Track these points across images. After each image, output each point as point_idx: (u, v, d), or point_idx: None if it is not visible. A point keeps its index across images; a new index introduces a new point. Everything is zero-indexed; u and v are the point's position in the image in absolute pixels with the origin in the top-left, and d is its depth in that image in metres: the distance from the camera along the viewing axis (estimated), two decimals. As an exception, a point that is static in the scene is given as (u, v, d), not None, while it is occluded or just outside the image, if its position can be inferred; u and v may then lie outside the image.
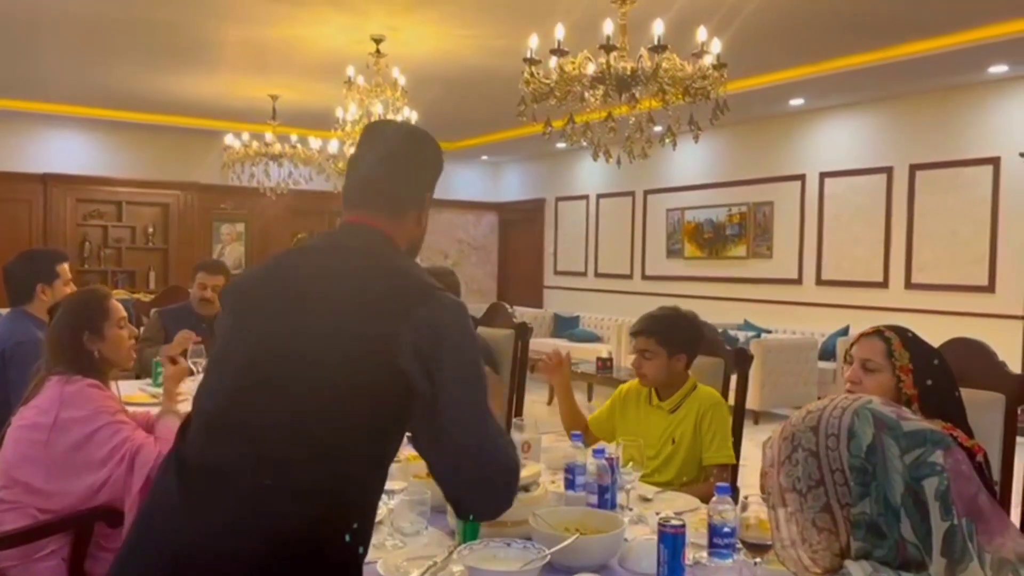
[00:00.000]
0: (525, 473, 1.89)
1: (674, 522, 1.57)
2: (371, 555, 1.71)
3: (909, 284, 8.14)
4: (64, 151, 10.77)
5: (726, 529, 1.61)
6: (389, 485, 1.86)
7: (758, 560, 1.53)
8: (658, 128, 4.00)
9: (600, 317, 10.80)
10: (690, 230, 10.65)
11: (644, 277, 11.35)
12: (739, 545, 1.60)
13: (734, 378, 2.77)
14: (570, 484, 2.03)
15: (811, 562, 1.06)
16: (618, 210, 11.80)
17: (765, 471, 1.13)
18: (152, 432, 2.68)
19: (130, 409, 2.88)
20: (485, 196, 14.11)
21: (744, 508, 1.57)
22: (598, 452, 1.96)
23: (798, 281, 9.28)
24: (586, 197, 12.43)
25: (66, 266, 3.35)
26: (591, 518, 1.80)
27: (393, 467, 2.22)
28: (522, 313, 11.49)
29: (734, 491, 2.55)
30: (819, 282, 9.06)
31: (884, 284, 8.37)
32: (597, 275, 12.17)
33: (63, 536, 2.24)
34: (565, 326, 11.40)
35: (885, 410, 1.08)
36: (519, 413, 3.61)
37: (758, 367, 7.47)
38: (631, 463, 2.05)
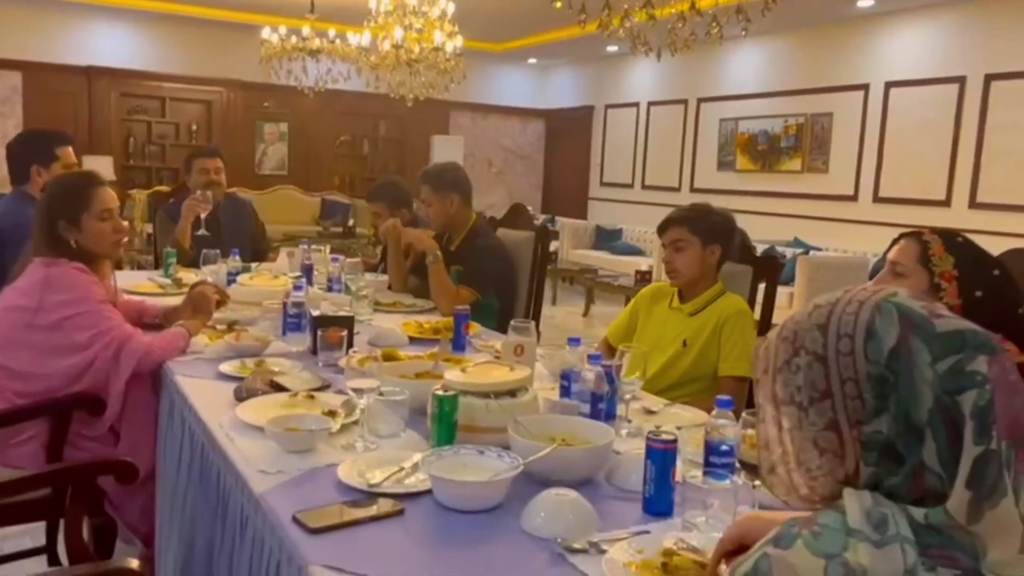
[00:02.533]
0: (512, 377, 1.73)
1: (664, 436, 1.40)
2: (336, 456, 1.58)
3: (974, 203, 7.67)
4: (107, 43, 10.65)
5: (724, 447, 1.43)
6: (362, 383, 1.71)
7: (757, 483, 1.36)
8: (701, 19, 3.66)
9: (643, 231, 10.51)
10: (743, 142, 10.17)
11: (692, 190, 10.94)
12: (738, 466, 1.42)
13: (762, 289, 2.54)
14: (565, 392, 1.87)
15: (808, 489, 0.88)
16: (669, 119, 11.32)
17: (757, 379, 0.93)
18: (143, 318, 2.58)
19: (126, 297, 2.80)
20: (532, 102, 13.69)
21: (746, 425, 1.39)
22: (594, 358, 1.78)
23: (854, 198, 8.82)
24: (636, 105, 11.94)
25: (69, 150, 3.23)
26: (580, 428, 1.64)
27: (371, 367, 2.08)
28: (563, 224, 11.25)
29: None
30: (876, 199, 8.60)
31: (946, 202, 7.90)
32: (644, 187, 11.80)
33: (42, 421, 2.17)
34: (606, 239, 11.14)
35: (914, 306, 0.86)
36: (538, 312, 3.45)
37: (803, 284, 7.17)
38: (637, 374, 1.87)
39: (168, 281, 3.44)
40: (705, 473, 1.43)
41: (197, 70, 11.01)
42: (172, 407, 2.11)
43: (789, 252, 8.09)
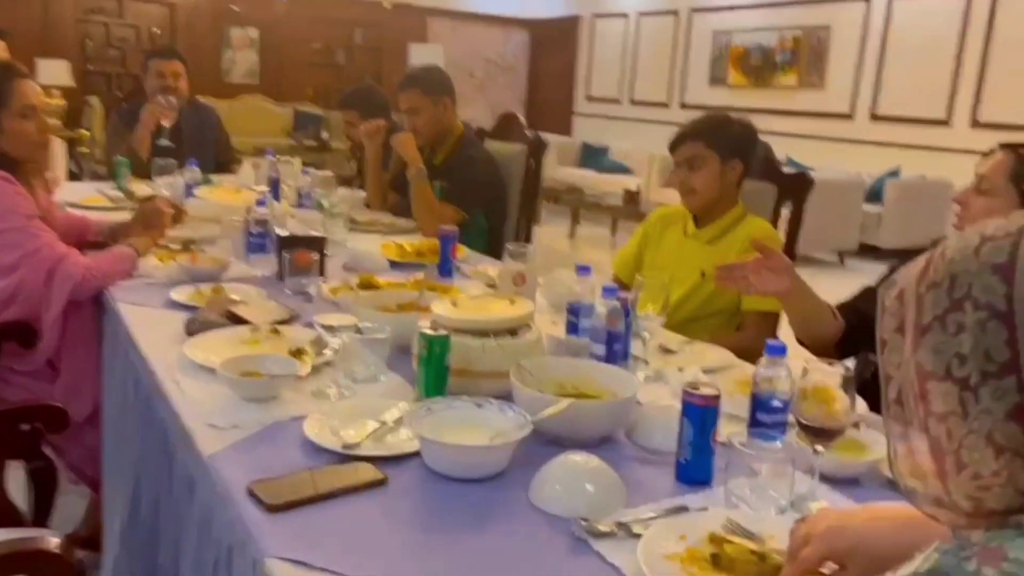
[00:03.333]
0: (513, 313, 1.45)
1: (705, 390, 1.14)
2: (304, 407, 1.32)
3: (976, 123, 7.39)
4: (57, -64, 9.87)
5: (776, 403, 1.18)
6: (337, 320, 1.43)
7: (819, 448, 1.11)
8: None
9: (631, 148, 10.15)
10: (737, 55, 9.76)
11: (683, 106, 10.55)
12: (792, 425, 1.18)
13: (786, 212, 2.27)
14: (573, 328, 1.60)
15: (973, 503, 0.61)
16: (660, 31, 10.83)
17: (883, 339, 0.66)
18: (86, 236, 2.27)
19: (65, 211, 2.48)
20: (516, 11, 13.04)
21: (804, 375, 1.13)
22: (609, 291, 1.51)
23: (849, 116, 8.52)
24: (625, 15, 11.42)
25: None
26: (595, 374, 1.38)
27: (346, 297, 1.80)
28: (547, 141, 10.81)
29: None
30: (873, 117, 8.30)
31: (946, 122, 7.62)
32: (632, 103, 11.39)
33: (-35, 355, 1.88)
34: (592, 156, 10.78)
35: None
36: (529, 234, 3.16)
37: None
38: (651, 307, 1.60)
39: (119, 194, 3.10)
40: (751, 433, 1.17)
41: (158, -32, 10.29)
42: (116, 339, 1.83)
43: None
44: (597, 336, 1.49)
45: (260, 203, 2.19)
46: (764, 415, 1.18)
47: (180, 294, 1.89)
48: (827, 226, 7.10)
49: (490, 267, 2.24)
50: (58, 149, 6.18)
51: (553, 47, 12.86)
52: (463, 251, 2.48)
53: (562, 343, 1.60)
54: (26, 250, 1.89)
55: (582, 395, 1.36)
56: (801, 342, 1.73)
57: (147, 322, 1.74)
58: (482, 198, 2.96)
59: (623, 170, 10.02)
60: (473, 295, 1.52)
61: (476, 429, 1.19)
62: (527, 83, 13.43)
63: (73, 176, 7.28)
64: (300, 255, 2.03)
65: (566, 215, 8.30)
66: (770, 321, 2.10)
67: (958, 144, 7.46)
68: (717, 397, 1.13)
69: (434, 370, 1.33)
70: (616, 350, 1.49)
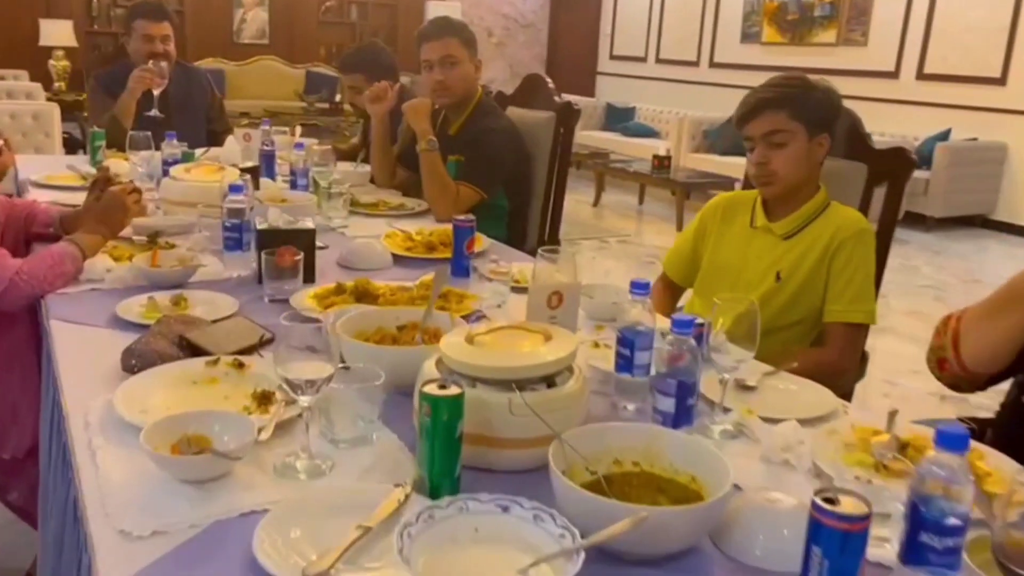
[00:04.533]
0: (549, 353, 1.07)
1: (847, 503, 0.75)
2: (261, 493, 0.95)
3: (1036, 81, 6.83)
4: None
5: (952, 521, 0.78)
6: (306, 368, 1.05)
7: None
8: None
9: (658, 110, 9.63)
10: (771, 10, 9.17)
11: (712, 65, 10.00)
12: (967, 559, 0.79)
13: (879, 194, 1.84)
14: (625, 364, 1.21)
15: None
16: (689, -16, 10.23)
17: None
18: (32, 227, 1.90)
19: (33, 196, 2.10)
20: (537, -36, 12.45)
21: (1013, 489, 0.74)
22: (683, 324, 1.11)
23: (894, 75, 7.96)
24: (653, -32, 10.80)
25: None
26: (665, 447, 0.99)
27: (331, 317, 1.41)
28: (578, 107, 10.25)
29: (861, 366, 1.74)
30: (920, 76, 7.74)
31: (1001, 81, 7.06)
32: (658, 61, 10.82)
33: None
34: (617, 118, 10.27)
35: None
36: (557, 217, 2.76)
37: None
38: (731, 337, 1.19)
39: (93, 171, 2.72)
40: (905, 559, 0.79)
41: (162, -78, 9.79)
42: (50, 366, 1.46)
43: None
44: (664, 386, 1.10)
45: (235, 188, 1.80)
46: (932, 536, 0.79)
47: (129, 308, 1.51)
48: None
49: (515, 266, 1.84)
50: (53, 113, 5.81)
51: (575, 3, 12.29)
52: (481, 242, 2.08)
53: (608, 380, 1.21)
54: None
55: (644, 473, 0.98)
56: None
57: (79, 349, 1.37)
58: (503, 175, 2.55)
59: (651, 133, 9.52)
60: (491, 327, 1.13)
61: (501, 552, 0.81)
62: (548, 41, 12.88)
63: (72, 143, 6.92)
64: (282, 255, 1.65)
65: (590, 181, 7.85)
66: (858, 335, 1.71)
67: (1014, 104, 6.92)
68: (866, 518, 0.74)
69: (441, 443, 0.95)
70: (690, 406, 1.10)
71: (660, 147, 8.01)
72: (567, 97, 9.23)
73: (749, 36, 9.49)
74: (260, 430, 1.06)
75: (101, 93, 3.29)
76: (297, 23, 10.99)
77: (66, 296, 1.59)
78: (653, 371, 1.17)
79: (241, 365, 1.27)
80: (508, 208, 2.63)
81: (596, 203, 7.56)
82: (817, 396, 1.32)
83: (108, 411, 1.13)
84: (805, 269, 1.71)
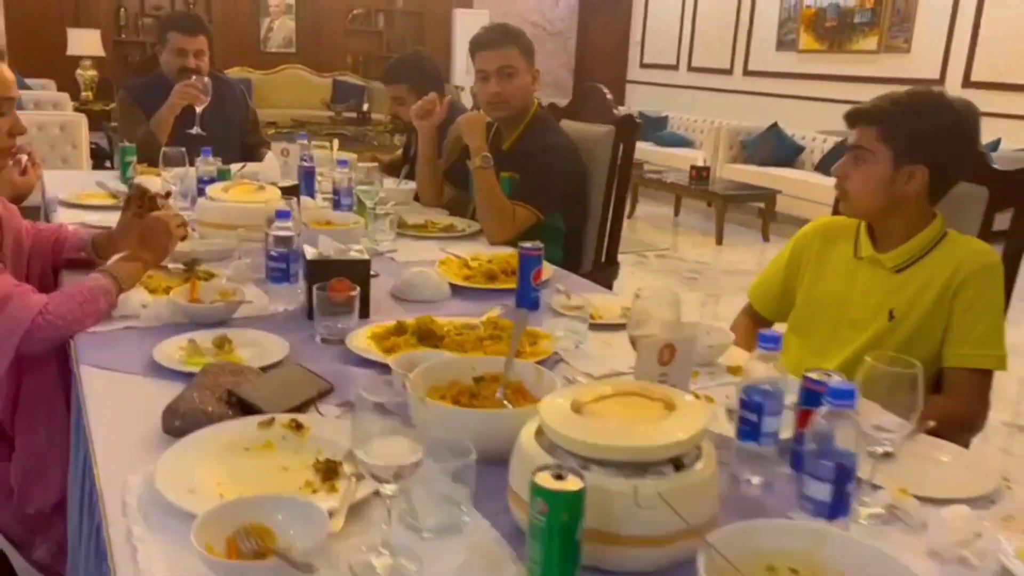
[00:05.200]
0: (683, 429, 0.88)
1: None
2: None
3: (1093, 90, 6.57)
4: (87, -102, 9.38)
5: None
6: (383, 455, 0.87)
7: None
8: None
9: (692, 119, 9.41)
10: (809, 17, 8.94)
11: (747, 73, 9.78)
12: None
13: (1001, 223, 1.64)
14: (750, 431, 1.03)
15: None
16: (722, -9, 10.02)
17: None
18: (61, 254, 1.74)
19: (62, 216, 1.95)
20: (566, -29, 12.31)
21: None
22: (841, 394, 0.91)
23: (939, 82, 7.68)
24: (685, -26, 10.61)
25: None
26: (830, 550, 0.81)
27: (397, 367, 1.22)
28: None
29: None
30: (967, 84, 7.48)
31: (1055, 89, 6.80)
32: (691, 69, 10.62)
33: None
34: (650, 128, 10.04)
35: None
36: (615, 238, 2.57)
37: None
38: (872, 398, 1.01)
39: (124, 188, 2.58)
40: None
41: (191, -72, 9.75)
42: (80, 415, 1.30)
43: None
44: (819, 470, 0.91)
45: (282, 214, 1.63)
46: None
47: (169, 353, 1.34)
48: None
49: (588, 297, 1.65)
50: (81, 124, 5.72)
51: (604, 11, 12.12)
52: (548, 271, 1.90)
53: (728, 447, 1.03)
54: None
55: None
56: None
57: (113, 403, 1.21)
58: (561, 194, 2.37)
59: (684, 143, 9.31)
60: (603, 391, 0.94)
61: None
62: (576, 49, 12.73)
63: (100, 154, 6.83)
64: (336, 288, 1.48)
65: (659, 200, 7.67)
66: (985, 383, 1.51)
67: (1071, 115, 6.67)
68: None
69: (559, 547, 0.77)
70: (846, 494, 0.91)
71: (696, 157, 7.80)
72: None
73: (785, 43, 9.26)
74: (330, 514, 0.89)
75: (132, 105, 3.15)
76: (324, 31, 10.91)
77: (97, 336, 1.43)
78: (782, 436, 0.99)
79: (299, 426, 1.10)
80: (564, 229, 2.45)
81: (630, 215, 7.36)
82: (970, 467, 1.12)
83: (149, 489, 0.96)
84: (923, 307, 1.51)
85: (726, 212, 6.48)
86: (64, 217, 2.26)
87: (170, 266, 1.79)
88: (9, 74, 1.52)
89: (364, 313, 1.57)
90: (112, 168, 7.22)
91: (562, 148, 2.38)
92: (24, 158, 2.24)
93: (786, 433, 1.07)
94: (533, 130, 2.41)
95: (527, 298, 1.70)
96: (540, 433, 0.93)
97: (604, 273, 2.49)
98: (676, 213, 7.53)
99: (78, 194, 2.48)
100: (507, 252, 2.07)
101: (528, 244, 1.70)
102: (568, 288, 1.82)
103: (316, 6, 10.78)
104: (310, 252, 1.60)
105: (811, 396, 1.05)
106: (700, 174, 6.75)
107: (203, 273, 1.75)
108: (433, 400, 1.09)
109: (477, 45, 2.38)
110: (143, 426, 1.12)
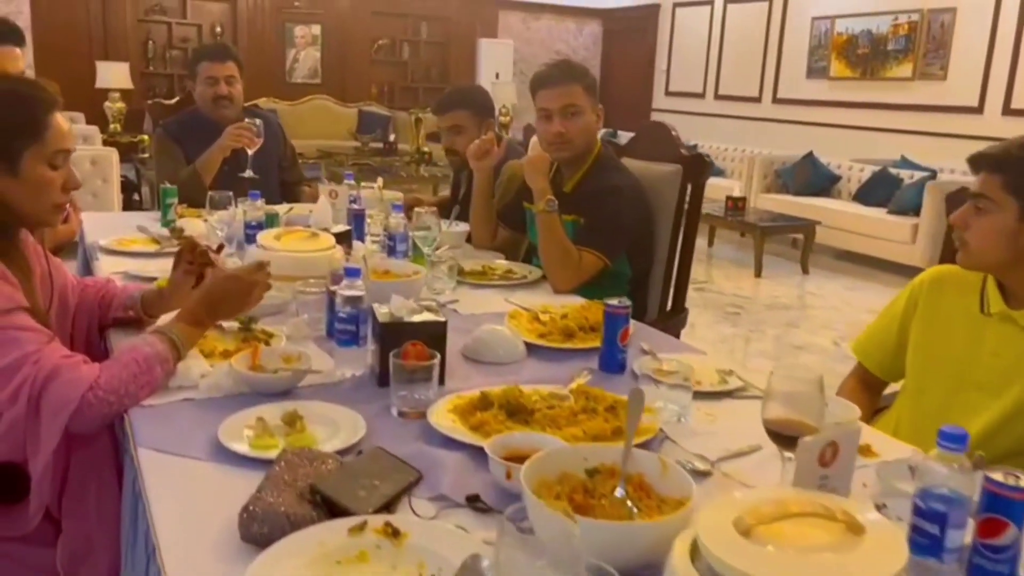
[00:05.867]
0: (881, 567, 0.73)
1: None
2: None
3: None
4: (116, -68, 9.45)
5: None
6: None
7: None
8: None
9: (722, 147, 9.28)
10: (840, 44, 8.82)
11: (776, 100, 9.66)
12: None
13: None
14: (930, 546, 0.87)
15: None
16: (750, 18, 9.94)
17: None
18: (110, 312, 1.62)
19: (103, 265, 1.84)
20: (589, 1, 12.29)
21: None
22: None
23: (978, 110, 7.54)
24: (711, 2, 10.56)
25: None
26: None
27: (494, 454, 1.06)
28: (625, 140, 9.92)
29: None
30: (1006, 111, 7.32)
31: (1102, 117, 6.62)
32: (717, 97, 10.52)
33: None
34: (679, 155, 9.92)
35: None
36: (683, 284, 2.43)
37: (932, 218, 6.03)
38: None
39: (166, 232, 2.47)
40: None
41: (218, -38, 9.81)
42: (135, 500, 1.16)
43: (904, 174, 6.91)
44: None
45: (351, 272, 1.49)
46: None
47: (235, 434, 1.20)
48: (962, 237, 6.17)
49: (683, 360, 1.50)
50: (111, 158, 5.67)
51: (628, 39, 12.08)
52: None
53: (912, 569, 0.87)
54: (1, 365, 1.23)
55: None
56: None
57: (178, 497, 1.07)
58: (628, 238, 2.24)
59: (715, 172, 9.16)
60: (773, 509, 0.79)
61: None
62: (600, 77, 12.67)
63: (128, 187, 6.78)
64: (413, 355, 1.34)
65: (743, 247, 7.51)
66: None
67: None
68: None
69: None
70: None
71: (730, 187, 7.67)
72: (621, 134, 8.86)
73: (815, 71, 9.14)
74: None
75: (170, 143, 3.05)
76: (349, 62, 10.91)
77: (154, 411, 1.30)
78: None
79: (395, 532, 0.96)
80: (630, 275, 2.31)
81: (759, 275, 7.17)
82: None
83: (232, 617, 0.82)
84: (1068, 375, 1.36)
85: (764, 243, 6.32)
86: (106, 265, 2.14)
87: (224, 325, 1.66)
88: (65, 124, 1.40)
89: (441, 379, 1.43)
90: (141, 200, 7.19)
91: (629, 189, 2.25)
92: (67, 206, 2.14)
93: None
94: (597, 170, 2.28)
95: (613, 361, 1.56)
96: (697, 555, 0.78)
97: (671, 321, 2.34)
98: (710, 244, 7.37)
99: (120, 239, 2.36)
100: (578, 303, 1.93)
101: (615, 301, 1.56)
102: (651, 346, 1.68)
103: (341, 37, 10.80)
104: (381, 313, 1.47)
105: (997, 501, 0.89)
106: (736, 205, 6.60)
107: (261, 333, 1.62)
108: (547, 500, 0.95)
109: (539, 83, 2.26)
110: (215, 526, 0.99)
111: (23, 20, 9.10)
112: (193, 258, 1.65)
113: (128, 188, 6.82)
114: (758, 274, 6.19)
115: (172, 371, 1.37)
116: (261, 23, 10.31)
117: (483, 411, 1.30)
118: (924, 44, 7.99)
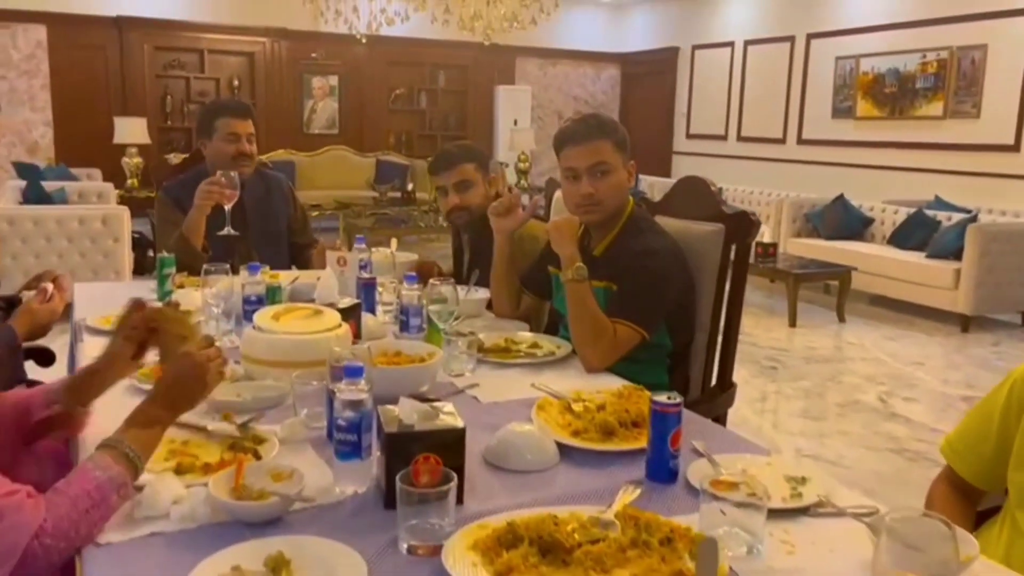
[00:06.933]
0: None
1: None
2: None
3: None
4: (136, -10, 9.53)
5: None
6: None
7: None
8: None
9: (746, 190, 9.06)
10: (866, 83, 8.64)
11: (800, 142, 9.47)
12: None
13: None
14: None
15: None
16: (771, 59, 9.80)
17: None
18: (24, 424, 1.40)
19: (88, 348, 1.62)
20: (606, 45, 12.27)
21: None
22: None
23: (1014, 148, 7.30)
24: (731, 44, 10.45)
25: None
26: None
27: None
28: (645, 184, 9.76)
29: None
30: (1045, 148, 7.06)
31: None
32: (740, 139, 10.34)
33: None
34: (703, 199, 9.70)
35: None
36: (729, 357, 2.18)
37: (972, 259, 5.74)
38: None
39: (161, 304, 2.26)
40: None
41: (237, 18, 9.85)
42: None
43: (941, 216, 6.63)
44: None
45: (351, 371, 1.27)
46: None
47: (206, 586, 0.97)
48: (1006, 280, 5.89)
49: (748, 472, 1.26)
50: (123, 217, 5.54)
51: (647, 82, 11.99)
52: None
53: None
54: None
55: None
56: None
57: None
58: (668, 308, 2.00)
59: (740, 216, 8.92)
60: None
61: None
62: (619, 120, 12.54)
63: (142, 243, 6.66)
64: (422, 470, 1.11)
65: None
66: None
67: None
68: None
69: None
70: None
71: (760, 232, 7.42)
72: (642, 178, 8.58)
73: (841, 111, 8.96)
74: None
75: (170, 207, 2.87)
76: (366, 111, 10.87)
77: (112, 552, 1.06)
78: None
79: None
80: (671, 348, 2.07)
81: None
82: None
83: None
84: None
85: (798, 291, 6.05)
86: (89, 348, 1.93)
87: (210, 427, 1.43)
88: None
89: (460, 498, 1.19)
90: (155, 259, 7.08)
91: (667, 252, 2.02)
92: (49, 286, 1.94)
93: None
94: (630, 231, 2.06)
95: (663, 469, 1.31)
96: None
97: (718, 401, 2.09)
98: (740, 292, 7.10)
99: (107, 317, 2.16)
100: (615, 385, 1.69)
101: (663, 397, 1.32)
102: (705, 445, 1.43)
103: (358, 87, 10.78)
104: (388, 419, 1.24)
105: None
106: (767, 251, 6.35)
107: (249, 440, 1.38)
108: None
109: (564, 140, 2.05)
110: None
111: (42, 80, 9.15)
112: (137, 324, 1.41)
113: (142, 245, 6.70)
114: (792, 323, 5.91)
115: (131, 492, 1.15)
116: (279, 75, 10.31)
117: (510, 549, 1.06)
118: (955, 81, 7.78)
